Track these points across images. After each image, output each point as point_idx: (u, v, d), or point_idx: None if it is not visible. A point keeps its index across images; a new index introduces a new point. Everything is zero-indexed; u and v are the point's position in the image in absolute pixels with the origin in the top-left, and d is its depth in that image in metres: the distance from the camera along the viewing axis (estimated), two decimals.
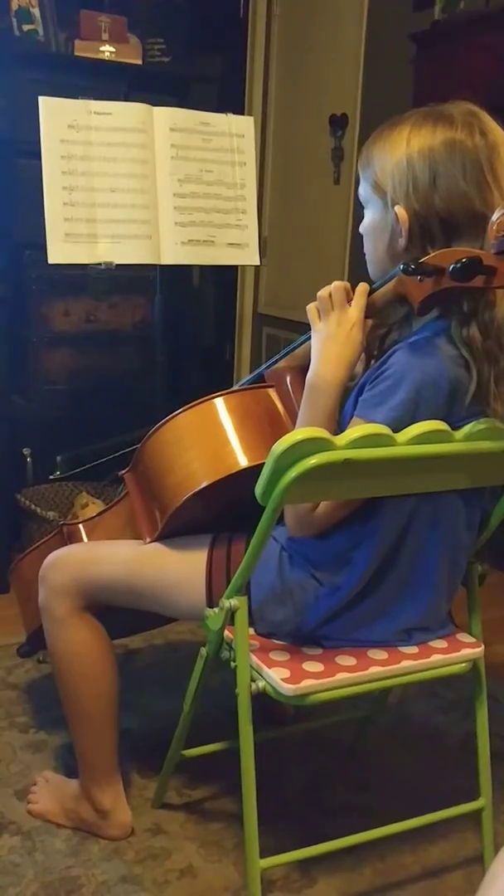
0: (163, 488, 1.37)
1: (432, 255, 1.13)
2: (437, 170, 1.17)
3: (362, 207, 1.30)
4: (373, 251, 1.29)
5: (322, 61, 3.45)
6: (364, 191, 1.28)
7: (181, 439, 1.36)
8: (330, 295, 1.24)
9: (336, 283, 1.25)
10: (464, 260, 1.07)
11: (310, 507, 1.22)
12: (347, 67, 3.29)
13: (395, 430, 1.13)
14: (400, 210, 1.20)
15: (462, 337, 1.18)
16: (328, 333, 1.24)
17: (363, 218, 1.30)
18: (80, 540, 1.57)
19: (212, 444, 1.35)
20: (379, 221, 1.25)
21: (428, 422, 1.14)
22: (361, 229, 1.30)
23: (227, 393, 1.38)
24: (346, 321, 1.23)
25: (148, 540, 1.41)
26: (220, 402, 1.36)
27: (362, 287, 1.24)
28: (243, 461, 1.31)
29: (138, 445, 1.44)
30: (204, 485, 1.31)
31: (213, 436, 1.35)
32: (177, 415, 1.37)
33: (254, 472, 1.15)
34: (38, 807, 1.56)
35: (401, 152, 1.19)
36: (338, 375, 1.22)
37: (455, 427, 1.17)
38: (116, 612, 1.44)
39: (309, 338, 1.29)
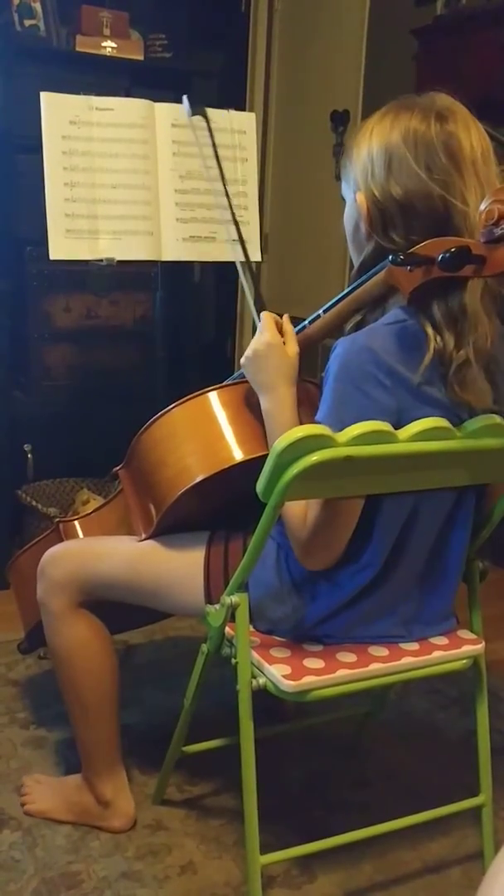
0: (157, 483, 1.37)
1: (421, 245, 1.13)
2: (391, 154, 1.18)
3: None
4: (348, 240, 1.33)
5: (323, 57, 3.44)
6: (343, 182, 1.31)
7: (175, 434, 1.36)
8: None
9: (263, 314, 1.31)
10: (453, 249, 1.07)
11: (301, 521, 1.20)
12: (349, 63, 3.28)
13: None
14: (360, 195, 1.23)
15: (426, 314, 1.16)
16: (252, 366, 1.29)
17: None
18: (76, 536, 1.56)
19: (206, 438, 1.34)
20: (349, 210, 1.29)
21: (429, 419, 1.13)
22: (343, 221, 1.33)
23: (221, 387, 1.37)
24: (260, 347, 1.28)
25: (143, 536, 1.41)
26: (213, 396, 1.36)
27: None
28: (238, 455, 1.30)
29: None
30: (199, 479, 1.30)
31: (207, 430, 1.34)
32: (170, 409, 1.36)
33: (249, 466, 1.14)
34: (36, 806, 1.56)
35: (364, 141, 1.23)
36: (278, 395, 1.26)
37: (452, 420, 1.16)
38: (114, 606, 1.44)
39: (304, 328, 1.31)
